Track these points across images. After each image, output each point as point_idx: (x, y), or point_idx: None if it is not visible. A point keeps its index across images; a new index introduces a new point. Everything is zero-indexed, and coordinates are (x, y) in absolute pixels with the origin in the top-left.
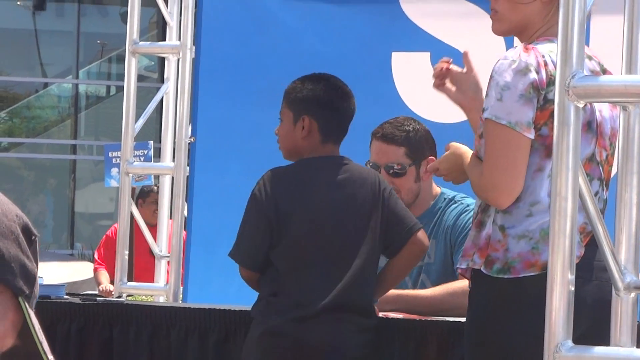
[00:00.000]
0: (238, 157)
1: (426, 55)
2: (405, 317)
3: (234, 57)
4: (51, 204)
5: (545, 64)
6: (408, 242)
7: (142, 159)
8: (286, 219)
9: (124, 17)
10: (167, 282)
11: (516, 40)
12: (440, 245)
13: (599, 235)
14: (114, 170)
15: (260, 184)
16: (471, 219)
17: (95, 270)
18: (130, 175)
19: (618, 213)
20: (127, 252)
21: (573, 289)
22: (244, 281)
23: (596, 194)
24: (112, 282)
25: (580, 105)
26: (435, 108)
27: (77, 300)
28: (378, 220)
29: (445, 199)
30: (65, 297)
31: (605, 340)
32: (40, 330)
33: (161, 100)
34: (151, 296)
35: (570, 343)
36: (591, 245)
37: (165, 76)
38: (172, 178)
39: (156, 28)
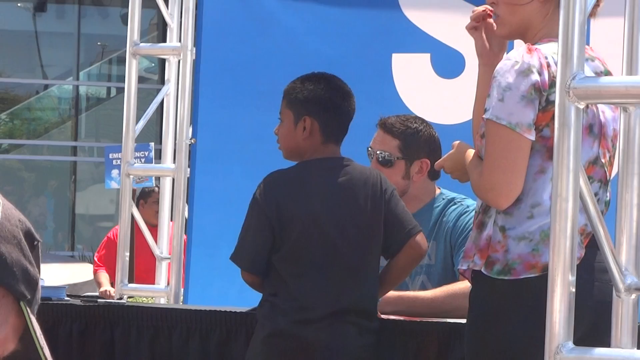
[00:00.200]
0: (239, 158)
1: (426, 57)
2: (406, 319)
3: (234, 59)
4: (52, 206)
5: (548, 65)
6: (406, 245)
7: (142, 160)
8: (287, 223)
9: (124, 18)
10: (168, 284)
11: (516, 42)
12: (441, 246)
13: (599, 237)
14: (115, 172)
15: (261, 187)
16: (472, 220)
17: (95, 271)
18: (131, 176)
19: (619, 214)
20: (127, 254)
21: (574, 290)
22: (247, 284)
23: (595, 194)
24: (112, 284)
25: (581, 106)
26: (435, 109)
27: (78, 302)
28: (379, 221)
29: (444, 199)
30: (66, 298)
31: (605, 342)
32: (42, 336)
33: (162, 102)
34: (152, 298)
35: (571, 344)
36: (592, 247)
37: (165, 78)
38: (173, 180)
39: (157, 29)
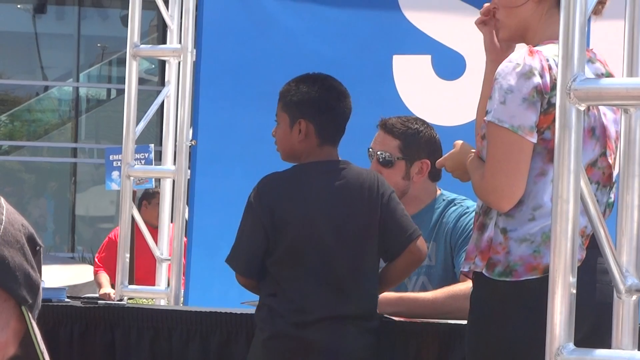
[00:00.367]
0: (239, 159)
1: (427, 58)
2: (406, 319)
3: (234, 60)
4: (52, 207)
5: (550, 68)
6: (406, 250)
7: (143, 162)
8: (282, 226)
9: (124, 20)
10: (168, 285)
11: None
12: (441, 247)
13: (600, 238)
14: (115, 174)
15: (255, 190)
16: (471, 221)
17: (95, 272)
18: (131, 178)
19: (619, 215)
20: (128, 255)
21: (574, 291)
22: (242, 287)
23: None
24: (112, 285)
25: (582, 108)
26: (436, 111)
27: (78, 303)
28: (376, 224)
29: (444, 200)
30: (67, 300)
31: (606, 343)
32: (42, 341)
33: (162, 104)
34: (152, 299)
35: (571, 346)
36: (592, 248)
37: (166, 79)
38: (173, 181)
39: (157, 31)
